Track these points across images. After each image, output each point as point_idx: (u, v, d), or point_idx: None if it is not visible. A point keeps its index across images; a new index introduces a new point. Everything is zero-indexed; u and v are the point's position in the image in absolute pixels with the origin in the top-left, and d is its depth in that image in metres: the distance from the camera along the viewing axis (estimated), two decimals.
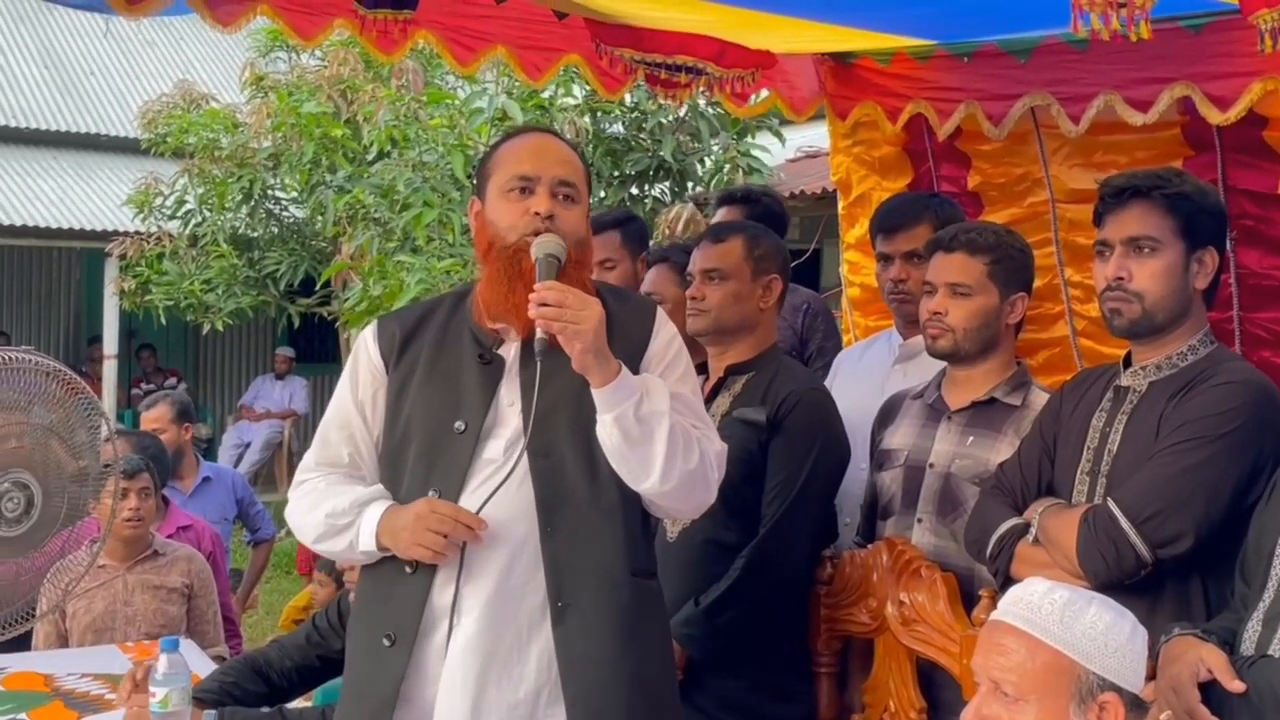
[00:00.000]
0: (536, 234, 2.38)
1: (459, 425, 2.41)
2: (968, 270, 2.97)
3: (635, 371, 2.39)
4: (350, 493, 2.47)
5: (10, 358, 3.73)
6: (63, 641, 4.10)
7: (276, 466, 12.86)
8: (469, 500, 2.37)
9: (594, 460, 2.38)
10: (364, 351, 2.54)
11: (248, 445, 12.78)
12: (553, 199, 2.41)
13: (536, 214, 2.39)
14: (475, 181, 2.62)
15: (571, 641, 2.33)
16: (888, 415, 3.21)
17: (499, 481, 2.35)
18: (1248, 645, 2.20)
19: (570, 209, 2.43)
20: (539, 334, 2.30)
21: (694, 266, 3.25)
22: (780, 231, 4.57)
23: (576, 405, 2.37)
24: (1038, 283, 4.47)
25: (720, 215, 4.51)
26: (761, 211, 4.44)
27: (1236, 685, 2.10)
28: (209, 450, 13.46)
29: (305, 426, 13.29)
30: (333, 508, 2.45)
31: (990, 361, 3.00)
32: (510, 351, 2.46)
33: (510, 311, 2.42)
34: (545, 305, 2.27)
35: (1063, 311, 4.39)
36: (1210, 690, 2.15)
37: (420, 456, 2.43)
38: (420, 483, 2.42)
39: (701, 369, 3.27)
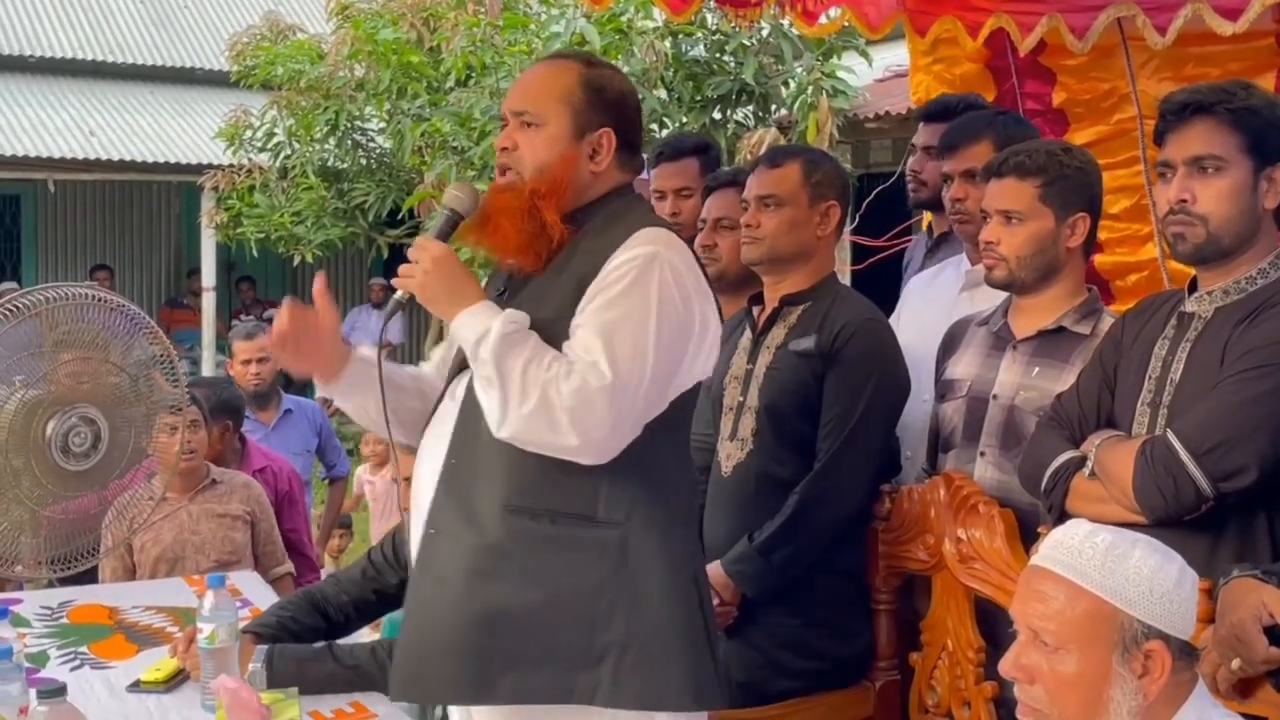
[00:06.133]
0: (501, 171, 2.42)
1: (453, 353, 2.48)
2: (1018, 195, 2.81)
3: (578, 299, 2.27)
4: None
5: (80, 294, 3.77)
6: (130, 575, 4.13)
7: None
8: (429, 431, 2.43)
9: None
10: None
11: None
12: (519, 130, 2.38)
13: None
14: None
15: (424, 570, 2.31)
16: (951, 343, 3.07)
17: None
18: None
19: (528, 135, 2.37)
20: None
21: (749, 192, 3.13)
22: None
23: None
24: (1125, 203, 4.35)
25: (922, 133, 4.16)
26: None
27: None
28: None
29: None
30: None
31: (1056, 288, 2.84)
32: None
33: None
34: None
35: (1151, 233, 4.22)
36: (1272, 635, 2.03)
37: None
38: None
39: (758, 298, 3.19)
